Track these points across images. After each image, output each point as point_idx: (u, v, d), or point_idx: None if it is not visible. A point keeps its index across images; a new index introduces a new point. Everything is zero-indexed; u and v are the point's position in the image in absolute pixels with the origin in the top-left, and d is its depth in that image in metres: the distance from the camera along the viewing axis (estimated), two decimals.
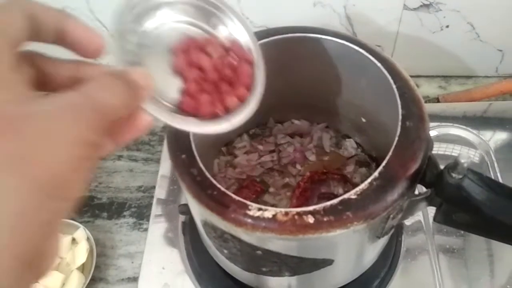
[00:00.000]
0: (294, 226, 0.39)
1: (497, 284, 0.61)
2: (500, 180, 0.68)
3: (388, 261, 0.60)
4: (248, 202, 0.40)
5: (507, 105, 0.81)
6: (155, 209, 0.70)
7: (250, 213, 0.40)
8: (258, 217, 0.40)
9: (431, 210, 0.64)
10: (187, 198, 0.46)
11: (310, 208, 0.40)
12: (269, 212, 0.40)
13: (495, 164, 0.70)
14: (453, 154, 0.73)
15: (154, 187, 0.74)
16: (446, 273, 0.61)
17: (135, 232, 0.71)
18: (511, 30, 0.77)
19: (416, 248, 0.63)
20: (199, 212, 0.46)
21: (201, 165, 0.43)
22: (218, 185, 0.42)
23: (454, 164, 0.39)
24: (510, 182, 0.42)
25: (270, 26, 0.57)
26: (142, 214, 0.73)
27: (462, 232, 0.65)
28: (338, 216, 0.39)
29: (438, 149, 0.73)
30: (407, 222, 0.65)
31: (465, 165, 0.39)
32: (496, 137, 0.75)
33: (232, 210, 0.40)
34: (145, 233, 0.70)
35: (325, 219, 0.39)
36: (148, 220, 0.71)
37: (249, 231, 0.40)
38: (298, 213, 0.39)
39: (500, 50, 0.81)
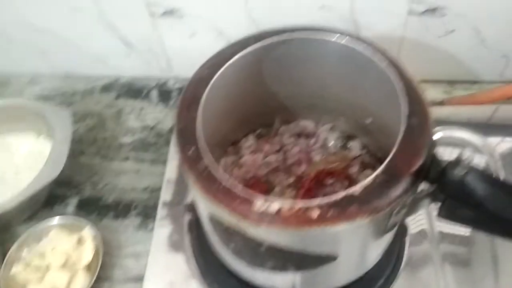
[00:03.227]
0: (299, 220, 0.40)
1: None
2: None
3: (392, 261, 0.60)
4: (255, 194, 0.41)
5: None
6: (161, 210, 0.71)
7: (257, 205, 0.40)
8: (263, 211, 0.40)
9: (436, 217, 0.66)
10: (194, 191, 0.46)
11: (315, 202, 0.40)
12: (274, 206, 0.40)
13: (501, 168, 0.70)
14: None
15: (160, 188, 0.74)
16: (449, 275, 0.61)
17: (141, 232, 0.71)
18: None
19: (420, 251, 0.63)
20: (206, 206, 0.46)
21: (209, 158, 0.44)
22: (226, 177, 0.42)
23: (456, 161, 0.40)
24: None
25: None
26: (148, 215, 0.73)
27: (466, 237, 0.65)
28: (342, 210, 0.40)
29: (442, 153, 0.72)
30: (413, 230, 0.65)
31: (467, 161, 0.39)
32: (501, 142, 0.74)
33: (239, 202, 0.41)
34: (151, 233, 0.70)
35: (329, 213, 0.40)
36: (154, 221, 0.71)
37: (254, 224, 0.40)
38: (303, 207, 0.40)
39: (505, 56, 0.81)
